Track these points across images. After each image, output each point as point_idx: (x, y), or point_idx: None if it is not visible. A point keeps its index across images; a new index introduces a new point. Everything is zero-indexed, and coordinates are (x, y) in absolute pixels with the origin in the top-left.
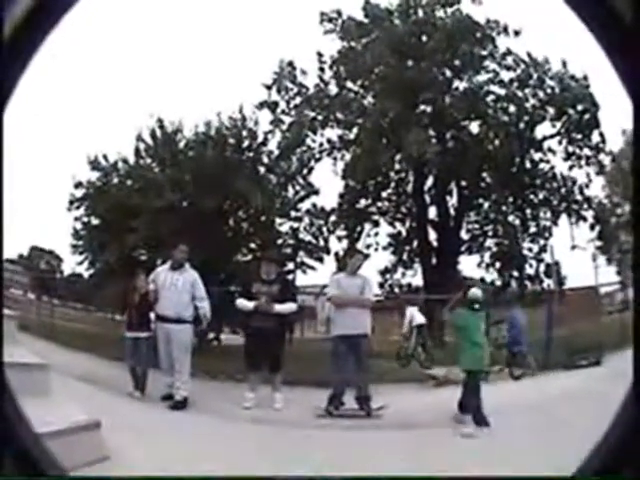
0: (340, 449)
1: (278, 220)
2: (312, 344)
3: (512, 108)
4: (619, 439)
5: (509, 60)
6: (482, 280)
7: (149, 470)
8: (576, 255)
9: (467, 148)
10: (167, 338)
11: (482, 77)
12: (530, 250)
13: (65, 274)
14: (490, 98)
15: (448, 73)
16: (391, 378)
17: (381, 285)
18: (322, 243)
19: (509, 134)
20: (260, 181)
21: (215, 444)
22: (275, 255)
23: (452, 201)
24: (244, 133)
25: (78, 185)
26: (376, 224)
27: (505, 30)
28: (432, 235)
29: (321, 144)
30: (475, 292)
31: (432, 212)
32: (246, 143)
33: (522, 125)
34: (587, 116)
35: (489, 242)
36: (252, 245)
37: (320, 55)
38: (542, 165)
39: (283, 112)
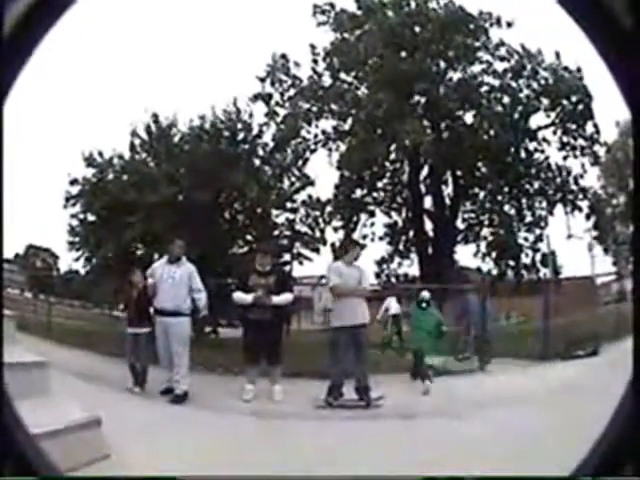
0: (341, 440)
1: (274, 212)
2: (309, 335)
3: (506, 98)
4: (618, 436)
5: (502, 51)
6: (478, 270)
7: (151, 467)
8: (572, 245)
9: (462, 138)
10: (165, 331)
11: (476, 68)
12: (526, 240)
13: (62, 271)
14: (484, 89)
15: (442, 64)
16: (388, 368)
17: (378, 275)
18: (318, 234)
19: (503, 124)
20: (255, 173)
21: (216, 438)
22: (269, 246)
23: (447, 191)
24: (239, 126)
25: (73, 182)
26: (372, 214)
27: (498, 22)
28: (428, 225)
29: (316, 135)
30: (424, 294)
31: (428, 202)
32: (241, 136)
33: (516, 115)
34: (581, 107)
35: (485, 231)
36: (248, 237)
37: (313, 47)
38: (537, 155)
39: (277, 104)
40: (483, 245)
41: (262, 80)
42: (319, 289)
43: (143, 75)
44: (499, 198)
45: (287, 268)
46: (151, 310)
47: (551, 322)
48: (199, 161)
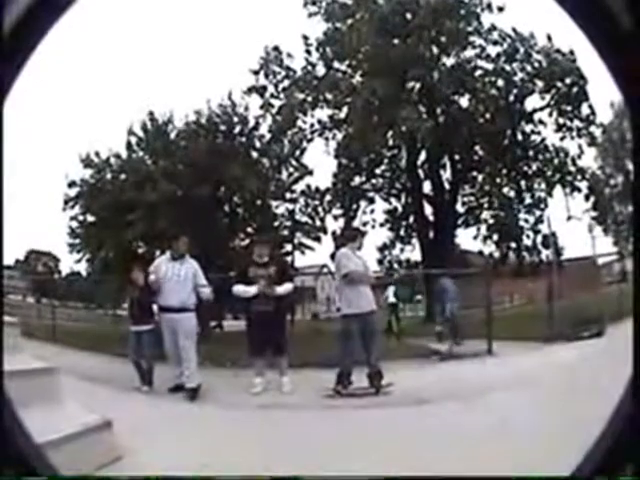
0: (353, 428)
1: (273, 203)
2: (313, 324)
3: (500, 82)
4: (618, 436)
5: (495, 35)
6: (480, 253)
7: (163, 467)
8: (572, 226)
9: (458, 122)
10: (172, 328)
11: (469, 53)
12: (526, 221)
13: (63, 274)
14: (478, 73)
15: (435, 50)
16: (395, 354)
17: (380, 261)
18: (319, 223)
19: (499, 107)
20: (253, 166)
21: (227, 434)
22: (266, 237)
23: (446, 175)
24: (235, 119)
25: (72, 184)
26: (371, 201)
27: (489, 6)
28: (428, 210)
29: (312, 125)
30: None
31: (427, 187)
32: (237, 129)
33: (511, 98)
34: (575, 89)
35: (485, 214)
36: (249, 230)
37: (306, 38)
38: (534, 137)
39: (272, 96)
40: (484, 228)
41: (256, 73)
42: (322, 278)
43: (137, 73)
44: (498, 181)
45: (289, 258)
46: (154, 307)
47: (554, 303)
48: (197, 156)
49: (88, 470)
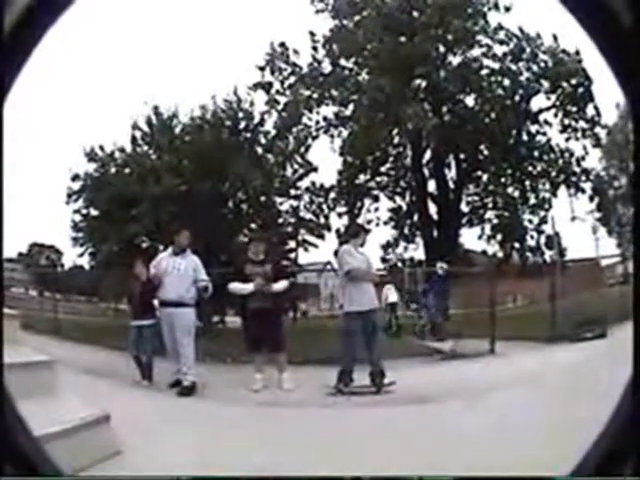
0: (355, 427)
1: (278, 199)
2: (317, 321)
3: (506, 81)
4: (618, 435)
5: (501, 35)
6: (484, 252)
7: (162, 462)
8: (576, 227)
9: (464, 121)
10: (170, 322)
11: (475, 51)
12: (530, 222)
13: (66, 268)
14: (484, 72)
15: (441, 48)
16: (397, 353)
17: (384, 260)
18: (323, 220)
19: (505, 107)
20: (258, 162)
21: (227, 431)
22: (262, 235)
23: (451, 174)
24: (240, 115)
25: (75, 177)
26: (376, 199)
27: (496, 6)
28: (432, 208)
29: (317, 122)
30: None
31: (431, 185)
32: (242, 125)
33: (517, 98)
34: (581, 90)
35: (489, 214)
36: (253, 226)
37: (313, 34)
38: (539, 137)
39: (278, 92)
40: (488, 228)
41: (262, 69)
42: (325, 275)
43: (143, 67)
44: (502, 180)
45: (292, 255)
46: (155, 302)
47: (557, 304)
48: (201, 151)
49: (86, 464)
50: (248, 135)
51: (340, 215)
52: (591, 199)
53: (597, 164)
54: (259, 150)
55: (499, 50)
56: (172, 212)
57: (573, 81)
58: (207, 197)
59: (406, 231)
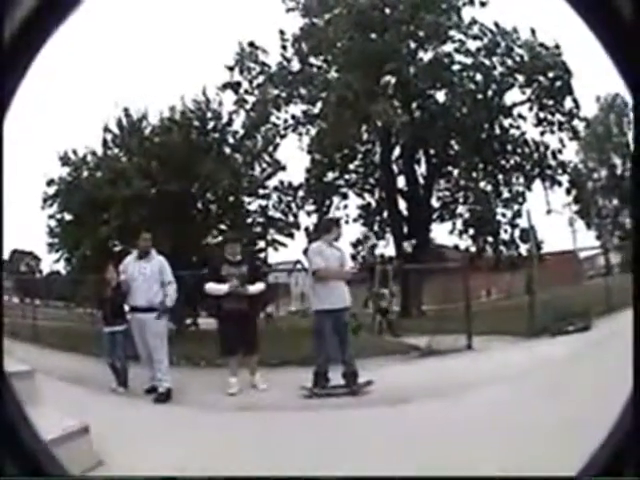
0: (334, 429)
1: (246, 199)
2: (288, 321)
3: (479, 76)
4: (621, 439)
5: (475, 30)
6: (456, 247)
7: (146, 473)
8: (553, 220)
9: (434, 117)
10: (141, 328)
11: (447, 47)
12: (504, 215)
13: (44, 273)
14: (456, 67)
15: (412, 44)
16: (374, 351)
17: (354, 257)
18: (292, 219)
19: (476, 102)
20: (226, 161)
21: (206, 437)
22: (238, 235)
23: (421, 170)
24: (208, 115)
25: (50, 182)
26: (345, 196)
27: (471, 1)
28: (402, 204)
29: (286, 120)
30: None
31: (401, 182)
32: (211, 125)
33: (490, 93)
34: (559, 83)
35: (461, 209)
36: (222, 227)
37: (282, 33)
38: (512, 131)
39: (246, 92)
40: (459, 223)
41: (231, 69)
42: (295, 274)
43: (113, 69)
44: (474, 175)
45: (262, 255)
46: (126, 307)
47: (535, 297)
48: (170, 152)
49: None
50: (216, 135)
51: (309, 213)
52: (568, 192)
53: (574, 157)
54: (227, 150)
55: (472, 45)
56: (142, 214)
57: (550, 74)
58: (176, 198)
59: (376, 228)
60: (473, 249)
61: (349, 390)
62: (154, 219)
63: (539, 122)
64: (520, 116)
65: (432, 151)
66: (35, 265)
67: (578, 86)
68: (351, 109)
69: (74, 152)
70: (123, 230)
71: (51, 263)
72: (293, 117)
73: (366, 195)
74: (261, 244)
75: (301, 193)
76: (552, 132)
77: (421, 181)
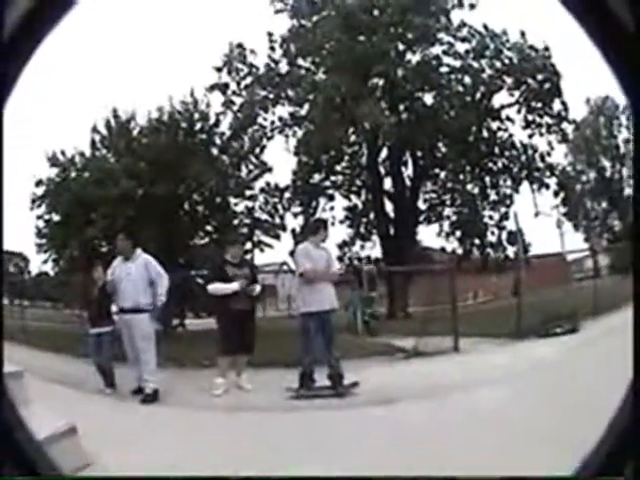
0: (320, 430)
1: (233, 200)
2: (275, 323)
3: (467, 79)
4: (619, 437)
5: (464, 32)
6: (442, 249)
7: (134, 473)
8: (540, 222)
9: (421, 119)
10: (129, 329)
11: (436, 49)
12: (491, 218)
13: (32, 274)
14: (444, 69)
15: (401, 46)
16: (360, 353)
17: (340, 258)
18: (278, 220)
19: (464, 104)
20: (213, 163)
21: (193, 438)
22: (239, 237)
23: (408, 172)
24: (196, 116)
25: (39, 183)
26: (331, 198)
27: (460, 3)
28: (389, 206)
29: (273, 122)
30: None
31: (388, 183)
32: (198, 126)
33: (478, 95)
34: (547, 85)
35: (448, 211)
36: (208, 228)
37: (270, 35)
38: (500, 133)
39: (234, 93)
40: (446, 225)
41: (219, 70)
42: (282, 276)
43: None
44: (461, 177)
45: (248, 256)
46: (113, 308)
47: (522, 299)
48: (157, 153)
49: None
50: (203, 136)
51: (295, 215)
52: (556, 194)
53: (563, 159)
54: (214, 151)
55: (461, 47)
56: (129, 215)
57: (539, 77)
58: (163, 199)
59: (362, 230)
60: (460, 251)
61: (335, 392)
62: (141, 220)
63: (527, 124)
64: (508, 118)
65: (419, 153)
66: (24, 266)
67: (568, 88)
68: (338, 111)
69: (62, 153)
70: (109, 231)
71: (39, 264)
72: (280, 119)
73: (353, 197)
74: (248, 245)
75: (287, 195)
76: (541, 134)
77: (408, 183)
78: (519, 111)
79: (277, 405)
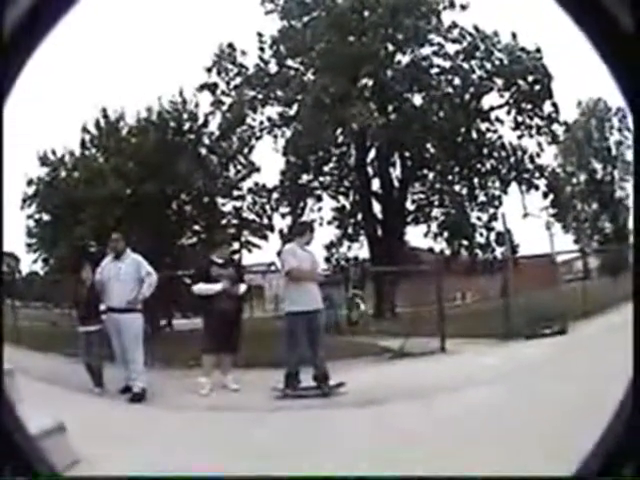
0: (307, 430)
1: (221, 200)
2: (262, 323)
3: (457, 80)
4: (619, 437)
5: (455, 33)
6: (430, 250)
7: (121, 471)
8: (529, 224)
9: (410, 120)
10: (117, 329)
11: (426, 50)
12: (479, 219)
13: (23, 274)
14: (434, 70)
15: (390, 47)
16: (346, 353)
17: (327, 259)
18: (266, 221)
19: (453, 105)
20: (201, 163)
21: (180, 437)
22: (227, 237)
23: (396, 173)
24: (185, 116)
25: (29, 182)
26: (319, 199)
27: (451, 4)
28: (377, 207)
29: (261, 122)
30: None
31: (376, 184)
32: (187, 126)
33: (468, 96)
34: (538, 87)
35: (436, 212)
36: (196, 228)
37: (260, 35)
38: (489, 135)
39: (223, 93)
40: (434, 225)
41: (209, 70)
42: (269, 276)
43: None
44: (449, 178)
45: (236, 256)
46: (101, 307)
47: (510, 301)
48: (146, 153)
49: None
50: (192, 136)
51: (283, 216)
52: (545, 196)
53: (552, 161)
54: (202, 151)
55: (451, 48)
56: (117, 214)
57: (530, 78)
58: (151, 199)
59: (350, 230)
60: (448, 252)
61: (321, 392)
62: (129, 219)
63: (517, 126)
64: (498, 119)
65: (407, 154)
66: (15, 266)
67: (560, 90)
68: (327, 112)
69: (53, 152)
70: (97, 230)
71: (30, 264)
72: (269, 119)
73: (341, 198)
74: (235, 245)
75: (275, 195)
76: (530, 136)
77: (396, 184)
78: (509, 112)
79: (263, 405)
